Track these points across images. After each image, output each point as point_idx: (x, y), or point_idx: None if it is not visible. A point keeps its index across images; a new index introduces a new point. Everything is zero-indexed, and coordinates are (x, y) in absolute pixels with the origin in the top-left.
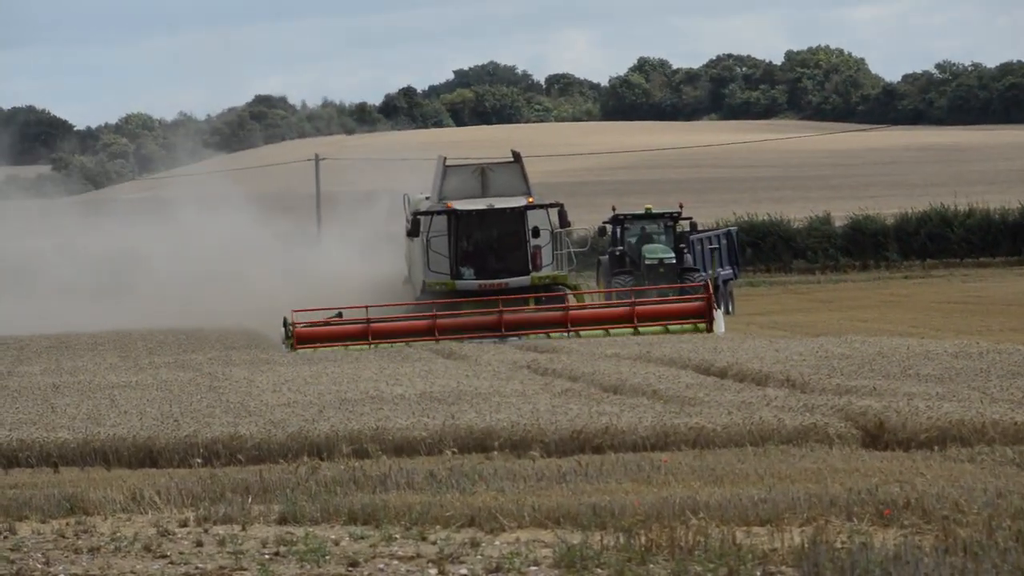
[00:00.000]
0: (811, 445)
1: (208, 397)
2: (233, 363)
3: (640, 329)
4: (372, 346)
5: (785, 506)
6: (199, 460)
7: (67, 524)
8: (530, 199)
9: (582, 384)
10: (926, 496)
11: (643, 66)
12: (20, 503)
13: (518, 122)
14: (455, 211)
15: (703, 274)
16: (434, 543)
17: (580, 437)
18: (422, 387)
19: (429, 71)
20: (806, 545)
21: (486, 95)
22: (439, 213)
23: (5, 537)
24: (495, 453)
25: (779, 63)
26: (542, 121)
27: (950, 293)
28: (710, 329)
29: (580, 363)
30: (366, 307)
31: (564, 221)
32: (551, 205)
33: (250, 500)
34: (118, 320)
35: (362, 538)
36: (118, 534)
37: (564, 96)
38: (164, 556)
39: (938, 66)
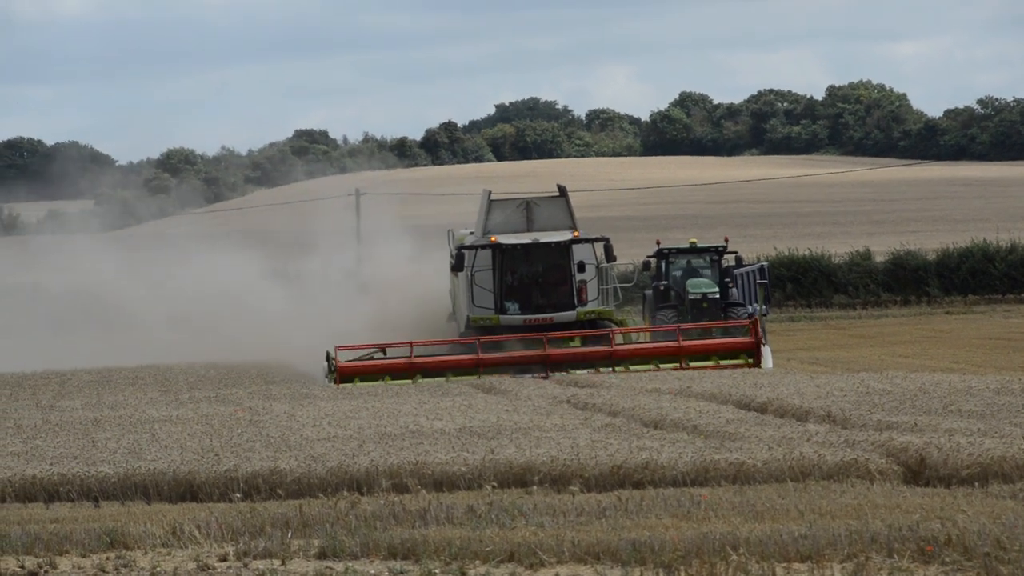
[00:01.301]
0: (852, 481)
1: (248, 431)
2: (273, 397)
3: (693, 365)
4: (414, 380)
5: (826, 542)
6: (239, 494)
7: (107, 559)
8: (576, 233)
9: (622, 419)
10: (967, 533)
11: (684, 101)
12: (61, 537)
13: (558, 157)
14: (500, 245)
15: (748, 309)
16: None
17: (620, 472)
18: (462, 421)
19: (470, 106)
20: None
21: (527, 130)
22: (484, 247)
23: (46, 572)
24: (535, 488)
25: (820, 98)
26: (583, 156)
27: (992, 329)
28: (758, 364)
29: (620, 398)
30: (410, 344)
31: (610, 255)
32: (597, 239)
33: (290, 534)
34: (156, 355)
35: (401, 573)
36: (158, 568)
37: (605, 131)
38: None
39: (980, 101)
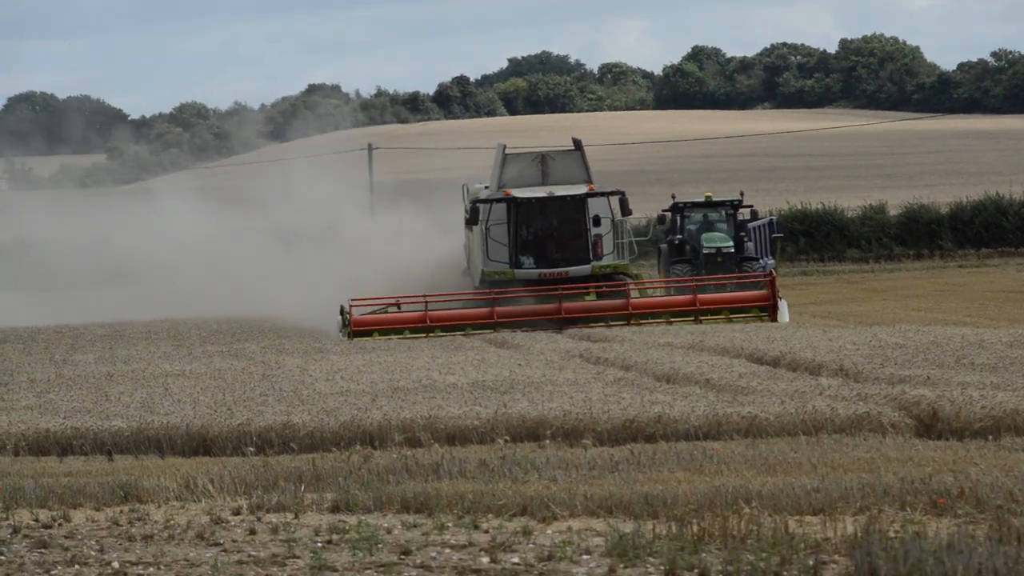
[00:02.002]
0: (864, 434)
1: (261, 386)
2: (286, 352)
3: (704, 319)
4: (428, 336)
5: (838, 495)
6: (252, 448)
7: (121, 512)
8: (591, 187)
9: (635, 373)
10: (980, 485)
11: (697, 55)
12: (74, 491)
13: (571, 111)
14: (515, 199)
15: (762, 262)
16: (486, 532)
17: (632, 426)
18: (475, 376)
19: (482, 60)
20: (859, 534)
21: (539, 84)
22: (498, 201)
23: (60, 525)
24: (547, 442)
25: (833, 51)
26: (595, 110)
27: (1005, 282)
28: (774, 319)
29: (633, 352)
30: (424, 297)
31: (625, 209)
32: (612, 193)
33: (303, 488)
34: (168, 310)
35: (414, 526)
36: (171, 522)
37: (617, 85)
38: (217, 544)
39: (993, 54)
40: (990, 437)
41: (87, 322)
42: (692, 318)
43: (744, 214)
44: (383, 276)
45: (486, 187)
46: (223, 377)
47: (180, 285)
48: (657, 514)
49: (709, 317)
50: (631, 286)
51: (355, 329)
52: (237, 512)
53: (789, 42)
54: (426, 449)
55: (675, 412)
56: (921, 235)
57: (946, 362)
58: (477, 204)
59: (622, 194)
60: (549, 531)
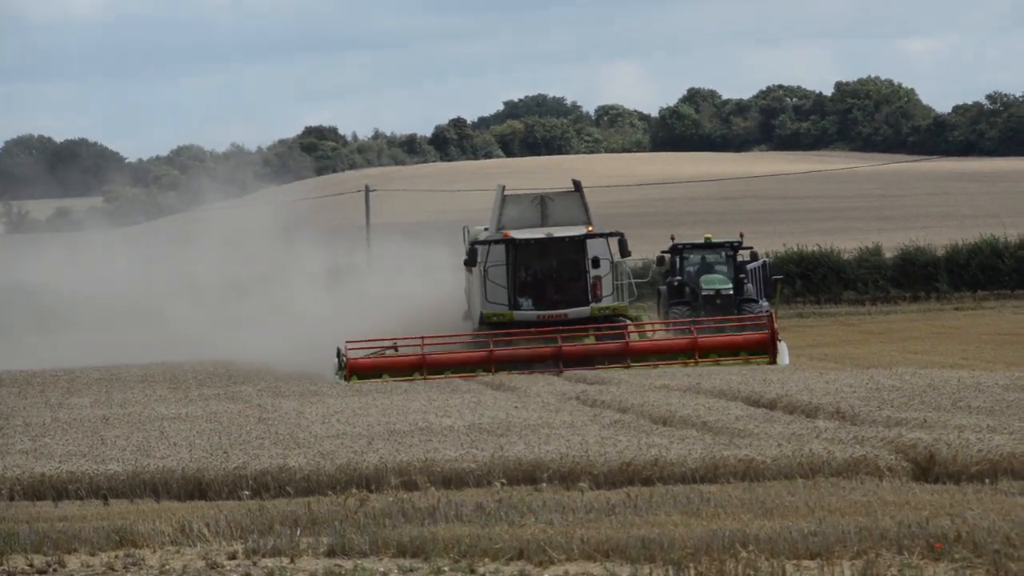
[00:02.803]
0: (861, 478)
1: (257, 429)
2: (282, 394)
3: (703, 361)
4: (425, 379)
5: (835, 539)
6: (248, 492)
7: (116, 557)
8: (590, 228)
9: (631, 416)
10: (977, 530)
11: (693, 97)
12: (69, 535)
13: (568, 153)
14: (513, 240)
15: (762, 305)
16: None
17: (629, 469)
18: (471, 418)
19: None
20: None
21: (536, 126)
22: (497, 242)
23: (55, 570)
24: (544, 485)
25: (829, 94)
26: (592, 152)
27: (1001, 325)
28: (774, 361)
29: (629, 394)
30: (421, 338)
31: (624, 251)
32: (611, 234)
33: (299, 532)
34: (157, 353)
35: (411, 571)
36: (167, 567)
37: (614, 127)
38: None
39: (989, 97)
40: (987, 481)
41: (83, 365)
42: (692, 360)
43: (744, 255)
44: (381, 320)
45: (486, 229)
46: (219, 420)
47: (173, 328)
48: (654, 558)
49: (711, 360)
50: (630, 328)
51: (351, 371)
52: (233, 556)
53: (785, 84)
54: (422, 492)
55: (672, 455)
56: (917, 277)
57: (943, 405)
58: (476, 245)
59: (621, 235)
60: (546, 575)
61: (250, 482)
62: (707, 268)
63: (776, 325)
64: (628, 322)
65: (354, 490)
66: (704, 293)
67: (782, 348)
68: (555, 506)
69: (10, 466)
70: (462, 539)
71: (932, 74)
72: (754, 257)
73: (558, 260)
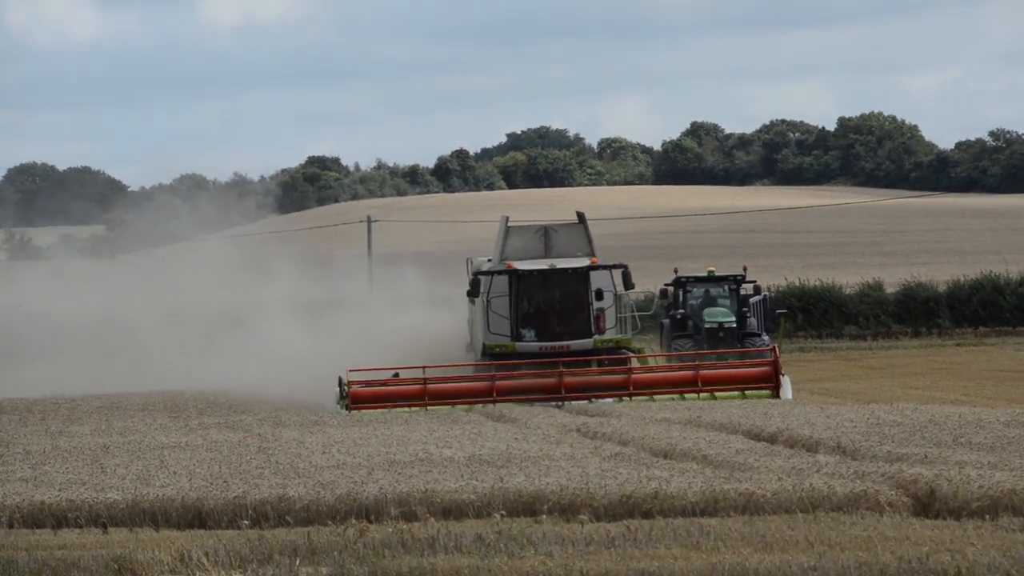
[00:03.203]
0: (862, 513)
1: (257, 458)
2: (282, 424)
3: (705, 394)
4: (427, 409)
5: (835, 574)
6: (247, 521)
7: None
8: (593, 259)
9: (632, 448)
10: (977, 566)
11: (696, 130)
12: (68, 564)
13: (570, 185)
14: (516, 271)
15: (764, 339)
16: None
17: (629, 502)
18: (471, 449)
19: (481, 134)
20: None
21: (539, 158)
22: (499, 273)
23: None
24: (544, 517)
25: (832, 129)
26: (594, 184)
27: (1002, 361)
28: (777, 395)
29: (630, 427)
30: (423, 367)
31: (628, 283)
32: (615, 266)
33: (298, 562)
34: (164, 382)
35: None
36: None
37: (616, 160)
38: None
39: (991, 133)
40: (987, 517)
41: (84, 393)
42: (695, 394)
43: (747, 289)
44: (383, 351)
45: (489, 260)
46: (219, 449)
47: (175, 356)
48: None
49: (714, 390)
50: (633, 360)
51: (353, 401)
52: None
53: (788, 119)
54: (422, 523)
55: (672, 488)
56: (919, 313)
57: (944, 441)
58: (479, 276)
59: (625, 267)
60: None
61: (250, 511)
62: (710, 301)
63: (779, 359)
64: (631, 354)
65: (354, 520)
66: (707, 326)
67: (785, 382)
68: (555, 538)
69: (10, 494)
70: (461, 570)
71: (935, 110)
72: (757, 291)
73: (561, 291)
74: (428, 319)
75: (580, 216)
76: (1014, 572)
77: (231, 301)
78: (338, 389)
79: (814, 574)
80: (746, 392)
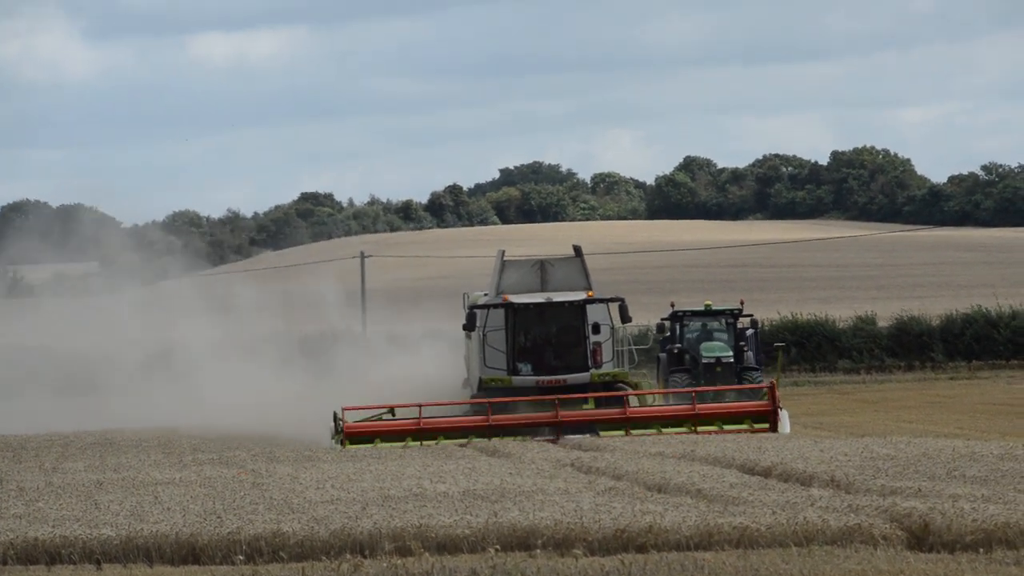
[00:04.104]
0: (856, 546)
1: (251, 494)
2: (276, 459)
3: (703, 429)
4: (421, 444)
5: None
6: (242, 557)
7: None
8: (590, 293)
9: (626, 483)
10: None
11: (689, 165)
12: None
13: (563, 220)
14: (512, 304)
15: (758, 374)
16: None
17: (624, 536)
18: (465, 484)
19: (475, 169)
20: None
21: (532, 193)
22: (495, 306)
23: None
24: (538, 551)
25: (825, 163)
26: (588, 219)
27: (996, 395)
28: (775, 429)
29: (624, 461)
30: (419, 405)
31: (625, 316)
32: (612, 300)
33: None
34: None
35: None
36: None
37: (609, 195)
38: None
39: (984, 167)
40: (981, 550)
41: (77, 430)
42: (692, 430)
43: (744, 323)
44: (376, 388)
45: (485, 294)
46: (213, 485)
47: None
48: None
49: (706, 429)
50: (630, 395)
51: (348, 436)
52: None
53: (781, 153)
54: (416, 558)
55: (666, 522)
56: (912, 347)
57: (937, 474)
58: (474, 310)
59: (622, 301)
60: None
61: (244, 547)
62: (707, 335)
63: (777, 393)
64: (628, 389)
65: (348, 555)
66: (704, 361)
67: (783, 416)
68: (549, 572)
69: (3, 530)
70: None
71: (927, 144)
72: (754, 325)
73: (558, 325)
74: (423, 356)
75: (576, 250)
76: None
77: (221, 338)
78: (333, 425)
79: None
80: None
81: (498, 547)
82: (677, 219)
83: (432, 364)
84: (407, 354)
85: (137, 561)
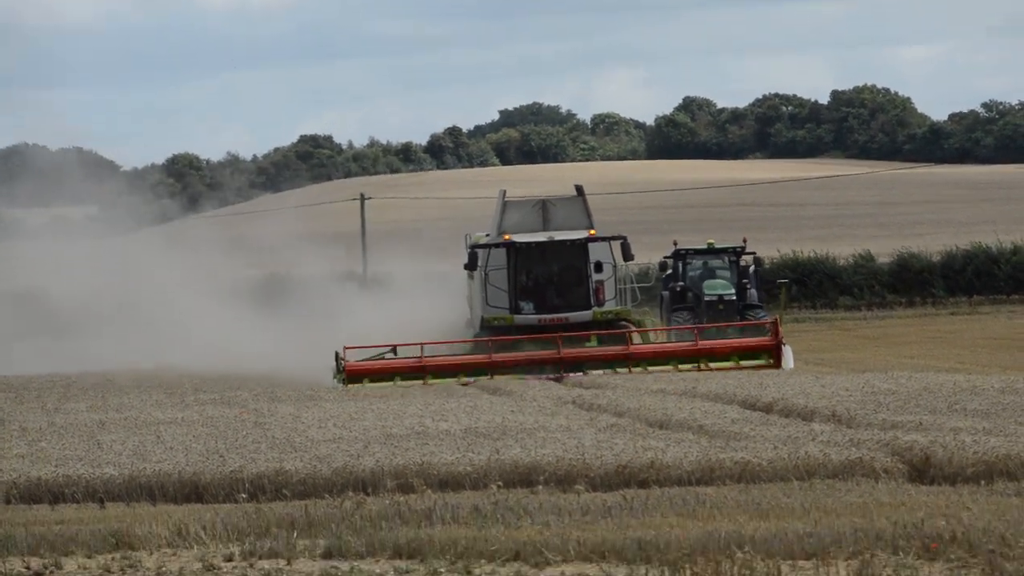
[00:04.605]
0: (857, 479)
1: (254, 433)
2: (278, 399)
3: (706, 365)
4: (425, 382)
5: (831, 540)
6: (244, 495)
7: (113, 559)
8: (592, 232)
9: (627, 419)
10: (972, 530)
11: (688, 105)
12: (66, 539)
13: (563, 161)
14: (513, 243)
15: (762, 311)
16: None
17: (625, 472)
18: (467, 422)
19: (474, 111)
20: None
21: (532, 134)
22: (497, 246)
23: (51, 573)
24: (540, 488)
25: (825, 102)
26: (588, 160)
27: (996, 329)
28: (778, 365)
29: (626, 398)
30: (420, 344)
31: (628, 255)
32: (614, 238)
33: (295, 535)
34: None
35: (407, 572)
36: (163, 569)
37: (609, 135)
38: None
39: (984, 105)
40: (982, 482)
41: (79, 371)
42: (697, 365)
43: (747, 260)
44: (380, 329)
45: (487, 235)
46: (215, 424)
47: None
48: (650, 559)
49: (718, 365)
50: (633, 332)
51: (349, 375)
52: (229, 559)
53: (781, 93)
54: (419, 495)
55: (668, 458)
56: (913, 283)
57: (938, 408)
58: (476, 249)
59: (624, 239)
60: None
61: (247, 485)
62: (710, 273)
63: (781, 329)
64: (631, 326)
65: (351, 493)
66: (707, 299)
67: (787, 352)
68: (551, 508)
69: (7, 470)
70: (458, 541)
71: (927, 82)
72: (758, 263)
73: (560, 264)
74: (425, 297)
75: (579, 189)
76: (1009, 536)
77: (226, 279)
78: (335, 364)
79: (810, 540)
80: (743, 363)
81: (500, 484)
82: (677, 159)
83: (433, 305)
84: (408, 295)
85: (140, 500)
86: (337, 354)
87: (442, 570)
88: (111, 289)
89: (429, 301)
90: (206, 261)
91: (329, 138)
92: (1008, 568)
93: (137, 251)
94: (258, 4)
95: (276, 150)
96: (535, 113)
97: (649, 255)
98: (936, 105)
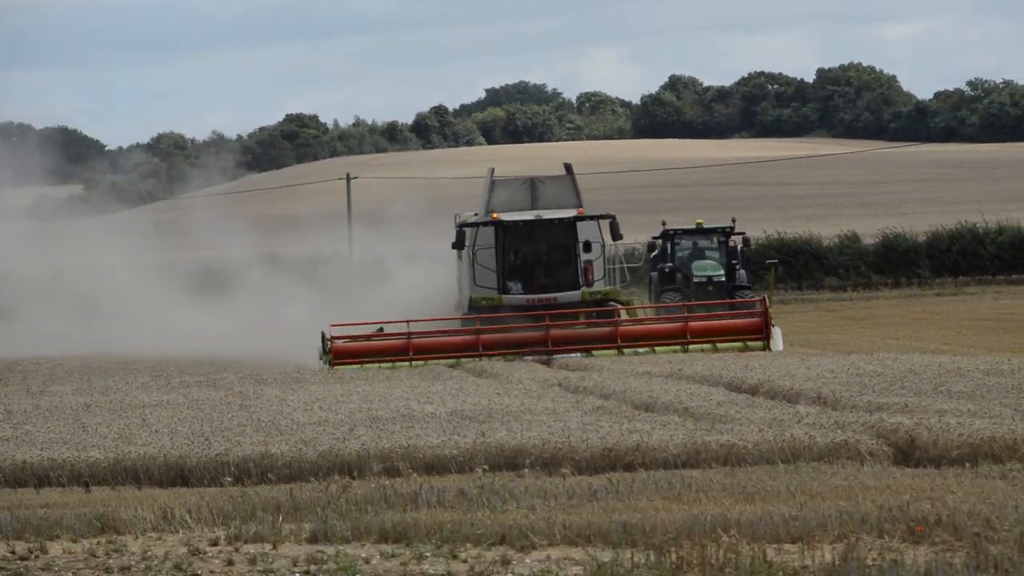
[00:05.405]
0: (842, 462)
1: (239, 416)
2: (264, 382)
3: (697, 347)
4: (411, 364)
5: (816, 523)
6: (230, 479)
7: (98, 543)
8: (581, 210)
9: (613, 402)
10: (957, 513)
11: (674, 84)
12: (51, 522)
13: (549, 140)
14: (501, 222)
15: (750, 292)
16: (465, 561)
17: (611, 455)
18: (453, 405)
19: (460, 90)
20: (837, 562)
21: (517, 113)
22: (484, 224)
23: (36, 556)
24: (526, 471)
25: (811, 81)
26: (574, 139)
27: (982, 310)
28: (767, 347)
29: (611, 381)
30: (407, 322)
31: (616, 234)
32: (602, 217)
33: (281, 518)
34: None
35: (393, 556)
36: (149, 553)
37: (595, 114)
38: (195, 575)
39: (970, 83)
40: (968, 464)
41: (64, 353)
42: (683, 348)
43: (736, 241)
44: (368, 309)
45: (475, 214)
46: (201, 407)
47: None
48: (636, 543)
49: (702, 342)
50: (621, 312)
51: (335, 356)
52: (215, 543)
53: (766, 71)
54: (404, 479)
55: (654, 440)
56: (898, 263)
57: (924, 390)
58: (464, 228)
59: (613, 218)
60: (528, 560)
61: (232, 469)
62: (699, 254)
63: (770, 310)
64: (619, 306)
65: (336, 476)
66: (696, 280)
67: (776, 333)
68: (537, 492)
69: None
70: (444, 525)
71: (913, 60)
72: (746, 243)
73: (548, 243)
74: (411, 277)
75: (567, 167)
76: (994, 519)
77: (212, 260)
78: (321, 344)
79: (795, 523)
80: (725, 345)
81: (486, 467)
82: (663, 138)
83: (419, 284)
84: (394, 275)
85: (125, 483)
86: (323, 334)
87: (428, 554)
88: (96, 270)
89: (414, 280)
90: (189, 242)
91: (315, 117)
92: (993, 551)
93: (121, 233)
94: None
95: (261, 129)
96: (521, 92)
97: (636, 235)
98: (922, 83)
